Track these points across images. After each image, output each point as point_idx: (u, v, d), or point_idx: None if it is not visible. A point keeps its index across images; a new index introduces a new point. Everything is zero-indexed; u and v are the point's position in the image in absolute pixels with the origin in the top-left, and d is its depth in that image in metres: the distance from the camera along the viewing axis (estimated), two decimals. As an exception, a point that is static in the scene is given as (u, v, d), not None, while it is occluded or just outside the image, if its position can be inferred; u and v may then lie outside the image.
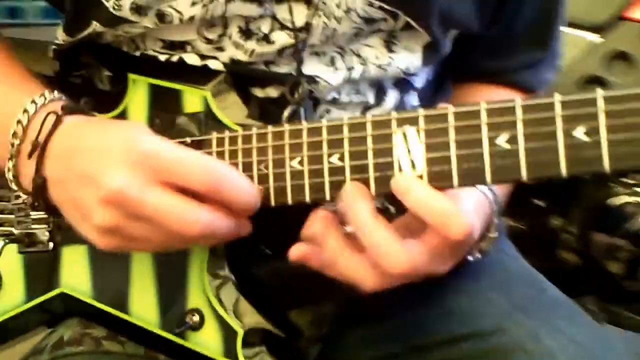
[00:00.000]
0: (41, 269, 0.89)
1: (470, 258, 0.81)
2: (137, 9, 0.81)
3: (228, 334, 0.80)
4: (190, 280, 0.82)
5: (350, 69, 0.86)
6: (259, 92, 0.85)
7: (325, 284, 0.87)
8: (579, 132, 0.65)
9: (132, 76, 0.85)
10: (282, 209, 0.76)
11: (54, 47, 0.92)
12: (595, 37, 1.63)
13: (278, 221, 0.79)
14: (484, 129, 0.68)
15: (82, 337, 0.87)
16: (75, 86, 0.91)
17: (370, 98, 0.90)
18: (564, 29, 1.60)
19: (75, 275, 0.87)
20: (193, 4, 0.80)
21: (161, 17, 0.82)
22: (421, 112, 0.70)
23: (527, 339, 0.81)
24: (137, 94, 0.85)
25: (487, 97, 0.97)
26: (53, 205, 0.76)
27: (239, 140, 0.78)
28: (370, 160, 0.72)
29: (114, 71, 0.87)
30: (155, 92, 0.84)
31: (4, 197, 0.91)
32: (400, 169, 0.71)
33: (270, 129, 0.76)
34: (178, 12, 0.81)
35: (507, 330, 0.83)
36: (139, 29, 0.84)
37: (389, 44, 0.87)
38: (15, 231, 0.90)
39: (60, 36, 0.91)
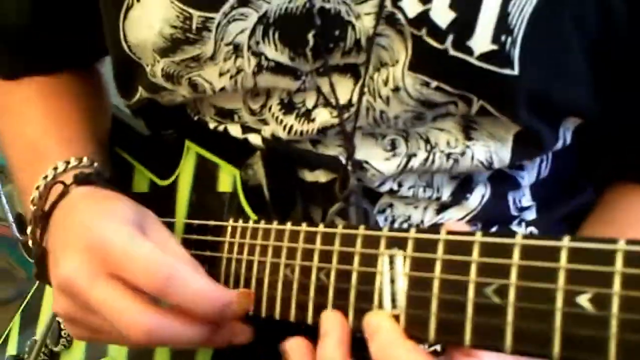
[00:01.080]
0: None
1: None
2: (169, 77, 0.71)
3: None
4: None
5: (410, 156, 0.68)
6: (308, 176, 0.70)
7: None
8: (584, 299, 0.44)
9: (188, 142, 0.75)
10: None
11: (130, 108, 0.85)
12: None
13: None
14: (473, 270, 0.48)
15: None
16: (168, 145, 0.83)
17: (446, 194, 0.71)
18: None
19: (118, 347, 0.79)
20: (221, 74, 0.68)
21: (194, 86, 0.71)
22: (412, 233, 0.52)
23: None
24: (188, 162, 0.75)
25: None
26: None
27: (248, 234, 0.65)
28: (353, 286, 0.55)
29: (180, 134, 0.78)
30: (201, 162, 0.74)
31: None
32: (380, 304, 0.53)
33: (274, 225, 0.62)
34: (208, 82, 0.70)
35: None
36: (179, 97, 0.74)
37: (468, 129, 0.68)
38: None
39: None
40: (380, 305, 0.53)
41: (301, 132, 0.69)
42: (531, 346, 0.45)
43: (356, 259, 0.55)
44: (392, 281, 0.53)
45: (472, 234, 0.49)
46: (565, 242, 0.45)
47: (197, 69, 0.69)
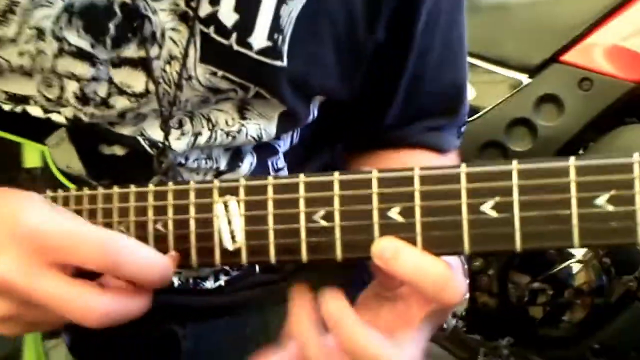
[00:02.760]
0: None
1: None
2: None
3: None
4: (26, 339, 0.76)
5: (197, 134, 0.79)
6: (105, 150, 0.79)
7: (170, 345, 0.85)
8: (394, 212, 0.60)
9: None
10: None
11: None
12: (524, 78, 1.57)
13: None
14: (302, 203, 0.62)
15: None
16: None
17: (223, 164, 0.83)
18: (493, 67, 1.56)
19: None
20: (20, 54, 0.74)
21: None
22: (242, 182, 0.65)
23: None
24: None
25: (395, 162, 0.91)
26: None
27: (85, 200, 0.71)
28: (192, 230, 0.66)
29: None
30: None
31: None
32: (220, 241, 0.65)
33: (99, 190, 0.71)
34: (6, 60, 0.74)
35: None
36: None
37: (242, 110, 0.80)
38: None
39: None
40: (221, 243, 0.65)
41: (102, 116, 0.77)
42: (357, 253, 0.61)
43: (192, 209, 0.66)
44: (229, 222, 0.65)
45: (296, 176, 0.63)
46: (374, 173, 0.60)
47: None
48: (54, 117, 0.77)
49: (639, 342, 1.51)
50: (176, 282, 0.84)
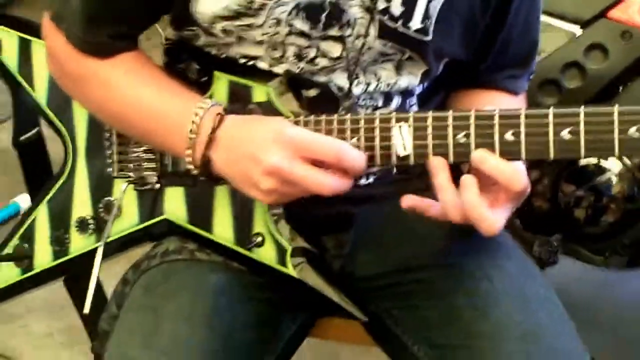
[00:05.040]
0: (150, 202, 1.21)
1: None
2: (225, 32, 1.12)
3: (281, 249, 1.13)
4: (256, 211, 1.14)
5: (368, 84, 1.17)
6: (304, 92, 1.16)
7: (346, 220, 1.24)
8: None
9: (216, 73, 1.15)
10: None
11: (164, 45, 1.23)
12: (577, 29, 1.94)
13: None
14: (450, 129, 1.02)
15: (181, 249, 1.20)
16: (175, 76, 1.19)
17: (380, 102, 1.20)
18: (552, 20, 1.94)
19: (174, 207, 1.19)
20: (262, 34, 1.12)
21: (241, 38, 1.12)
22: (412, 114, 1.04)
23: (476, 269, 1.17)
24: (220, 86, 1.15)
25: (482, 99, 1.30)
26: (215, 177, 1.07)
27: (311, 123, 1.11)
28: (377, 143, 1.05)
29: (203, 67, 1.18)
30: (233, 85, 1.15)
31: (124, 152, 1.25)
32: (396, 150, 1.05)
33: (323, 117, 1.07)
34: (252, 37, 1.12)
35: (464, 265, 1.17)
36: (224, 41, 1.14)
37: (398, 69, 1.18)
38: (133, 175, 1.24)
39: (165, 31, 1.20)
40: (396, 151, 1.04)
41: (307, 70, 1.15)
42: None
43: (377, 130, 1.05)
44: (402, 138, 1.04)
45: (446, 111, 1.02)
46: (523, 111, 1.00)
47: (247, 30, 1.12)
48: (275, 69, 1.16)
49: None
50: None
